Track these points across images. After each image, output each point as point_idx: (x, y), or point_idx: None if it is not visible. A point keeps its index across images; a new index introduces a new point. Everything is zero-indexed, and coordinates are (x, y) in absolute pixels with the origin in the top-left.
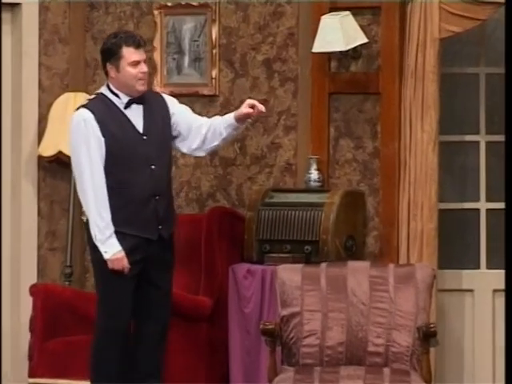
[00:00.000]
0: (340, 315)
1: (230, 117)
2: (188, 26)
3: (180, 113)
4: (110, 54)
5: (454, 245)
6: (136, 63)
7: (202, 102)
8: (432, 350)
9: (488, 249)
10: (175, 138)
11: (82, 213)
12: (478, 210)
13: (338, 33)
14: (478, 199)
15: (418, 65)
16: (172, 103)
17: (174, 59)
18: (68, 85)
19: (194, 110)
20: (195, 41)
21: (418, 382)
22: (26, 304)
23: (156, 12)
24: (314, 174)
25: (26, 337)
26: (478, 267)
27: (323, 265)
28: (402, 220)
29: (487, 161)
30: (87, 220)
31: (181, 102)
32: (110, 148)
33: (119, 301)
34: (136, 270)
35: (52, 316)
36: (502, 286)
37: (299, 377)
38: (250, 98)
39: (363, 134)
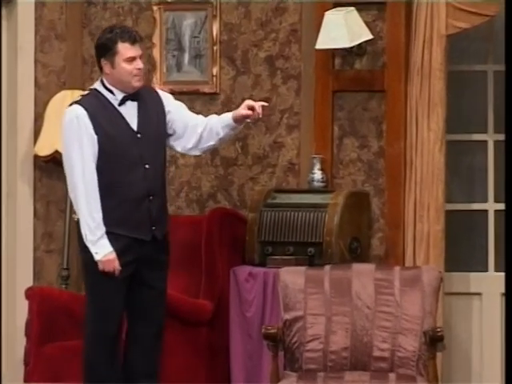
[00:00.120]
0: (344, 319)
1: (227, 116)
2: (188, 21)
3: (176, 110)
4: (105, 50)
5: (462, 247)
6: (131, 59)
7: (203, 100)
8: (439, 354)
9: (496, 251)
10: (170, 136)
11: (73, 212)
12: (486, 211)
13: (342, 29)
14: (485, 200)
15: (425, 62)
16: (167, 100)
17: (173, 56)
18: (65, 82)
19: (194, 109)
20: (195, 37)
21: None
22: (22, 308)
23: (155, 7)
24: (318, 174)
25: (21, 341)
26: (486, 270)
27: (327, 267)
28: (408, 221)
29: (495, 160)
30: (79, 219)
31: (181, 100)
32: (103, 146)
33: (109, 303)
34: (128, 271)
35: (48, 320)
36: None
37: (302, 382)
38: (251, 96)
39: (368, 132)
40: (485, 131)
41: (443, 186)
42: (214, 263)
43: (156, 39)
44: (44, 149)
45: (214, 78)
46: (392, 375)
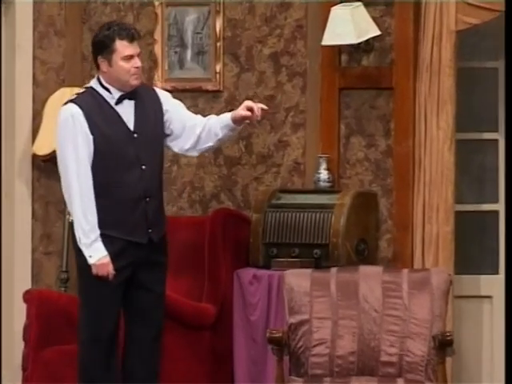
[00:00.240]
0: (351, 323)
1: (226, 117)
2: (191, 17)
3: (174, 110)
4: (102, 47)
5: (472, 249)
6: (129, 57)
7: (206, 98)
8: (448, 359)
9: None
10: (167, 136)
11: (68, 213)
12: (496, 211)
13: (348, 25)
14: (496, 200)
15: (434, 58)
16: (165, 99)
17: (175, 53)
18: (64, 80)
19: (197, 107)
20: (198, 33)
21: None
22: (20, 311)
23: (157, 3)
24: (324, 174)
25: (19, 346)
26: (496, 272)
27: (333, 270)
28: (417, 223)
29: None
30: (73, 221)
31: (183, 98)
32: (99, 146)
33: (103, 308)
34: (123, 276)
35: (47, 324)
36: None
37: None
38: (256, 93)
39: (375, 131)
40: (496, 130)
41: (453, 187)
42: (218, 265)
43: (157, 35)
44: (42, 148)
45: (218, 76)
46: (400, 380)
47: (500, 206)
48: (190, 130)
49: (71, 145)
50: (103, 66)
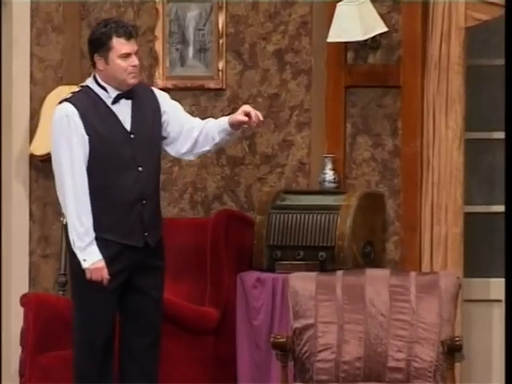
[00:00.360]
0: (357, 327)
1: (224, 121)
2: (192, 13)
3: (172, 111)
4: (99, 45)
5: (481, 251)
6: (126, 55)
7: (208, 97)
8: (457, 365)
9: None
10: (163, 139)
11: (61, 214)
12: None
13: (355, 21)
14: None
15: (442, 56)
16: (163, 99)
17: (177, 50)
18: (62, 77)
19: (199, 105)
20: (200, 30)
21: None
22: (17, 315)
23: None
24: (329, 175)
25: (16, 351)
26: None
27: (339, 273)
28: (425, 224)
29: None
30: (67, 223)
31: (185, 97)
32: (94, 147)
33: (97, 313)
34: (119, 280)
35: (45, 329)
36: None
37: None
38: (259, 92)
39: (382, 130)
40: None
41: (462, 187)
42: (220, 269)
43: (158, 32)
44: (40, 148)
45: (220, 73)
46: None
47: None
48: (187, 133)
49: (66, 145)
50: (100, 64)
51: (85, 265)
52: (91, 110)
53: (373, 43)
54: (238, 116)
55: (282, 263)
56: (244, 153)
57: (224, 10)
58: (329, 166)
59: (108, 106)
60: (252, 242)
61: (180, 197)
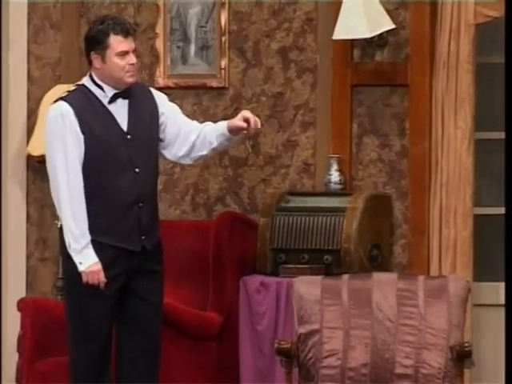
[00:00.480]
0: (364, 333)
1: (222, 126)
2: (194, 10)
3: (170, 114)
4: (96, 43)
5: (491, 254)
6: (124, 53)
7: (210, 95)
8: (467, 371)
9: None
10: (160, 142)
11: (56, 217)
12: None
13: (361, 18)
14: None
15: (451, 54)
16: (161, 100)
17: (178, 47)
18: (60, 76)
19: (200, 104)
20: (202, 27)
21: None
22: (14, 321)
23: None
24: (335, 176)
25: (13, 357)
26: None
27: (345, 277)
28: (433, 227)
29: None
30: (62, 226)
31: (186, 96)
32: (90, 147)
33: (94, 320)
34: (116, 285)
35: (42, 334)
36: None
37: None
38: (263, 90)
39: (390, 130)
40: None
41: (471, 189)
42: (223, 272)
43: (159, 29)
44: (38, 148)
45: (223, 72)
46: None
47: None
48: (185, 136)
49: (60, 145)
50: (96, 62)
51: (81, 268)
52: (87, 109)
53: (380, 41)
54: (237, 122)
55: (287, 267)
56: (247, 153)
57: (227, 6)
58: (334, 166)
59: (104, 106)
60: (255, 245)
61: (181, 198)
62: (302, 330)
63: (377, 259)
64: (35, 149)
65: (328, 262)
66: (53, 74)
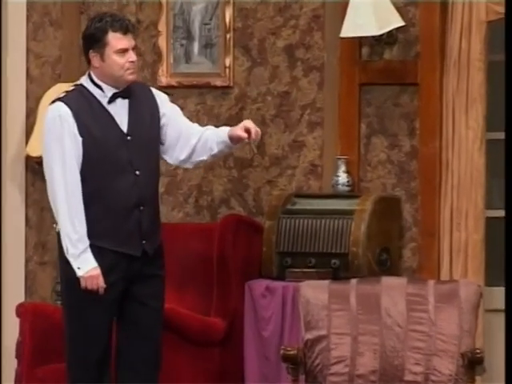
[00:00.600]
0: (372, 339)
1: (223, 132)
2: (198, 7)
3: (171, 115)
4: (94, 41)
5: (504, 258)
6: (123, 51)
7: (214, 95)
8: (478, 378)
9: None
10: (161, 144)
11: (55, 221)
12: None
13: (370, 15)
14: None
15: (462, 51)
16: (162, 101)
17: (181, 45)
18: (60, 74)
19: (205, 104)
20: (206, 24)
21: None
22: (12, 326)
23: None
24: (343, 177)
25: (12, 364)
26: None
27: (353, 281)
28: (444, 230)
29: None
30: (59, 230)
31: (190, 95)
32: (89, 149)
33: (93, 326)
34: (115, 291)
35: (42, 340)
36: None
37: None
38: (268, 90)
39: (399, 131)
40: None
41: (483, 191)
42: (227, 277)
43: (162, 27)
44: (37, 149)
45: (227, 70)
46: None
47: None
48: (185, 139)
49: (58, 147)
50: (95, 60)
51: (79, 273)
52: (85, 110)
53: (389, 38)
54: (238, 131)
55: (293, 271)
56: (252, 154)
57: (231, 3)
58: (342, 168)
59: (103, 106)
60: (261, 248)
61: (185, 201)
62: (309, 335)
63: (386, 263)
64: (34, 149)
65: (335, 266)
66: (52, 73)
